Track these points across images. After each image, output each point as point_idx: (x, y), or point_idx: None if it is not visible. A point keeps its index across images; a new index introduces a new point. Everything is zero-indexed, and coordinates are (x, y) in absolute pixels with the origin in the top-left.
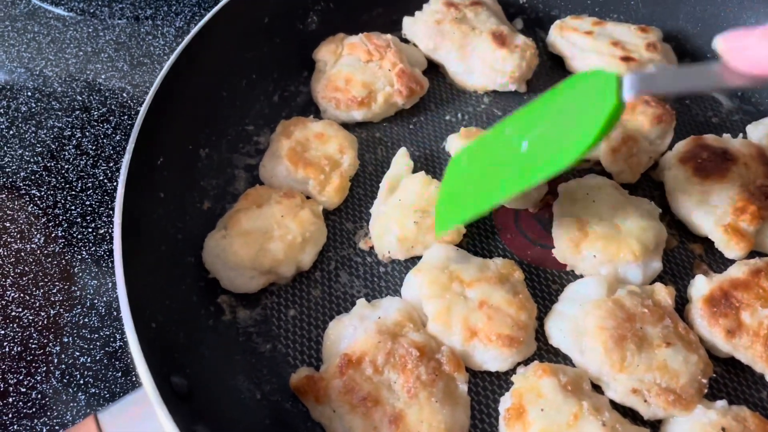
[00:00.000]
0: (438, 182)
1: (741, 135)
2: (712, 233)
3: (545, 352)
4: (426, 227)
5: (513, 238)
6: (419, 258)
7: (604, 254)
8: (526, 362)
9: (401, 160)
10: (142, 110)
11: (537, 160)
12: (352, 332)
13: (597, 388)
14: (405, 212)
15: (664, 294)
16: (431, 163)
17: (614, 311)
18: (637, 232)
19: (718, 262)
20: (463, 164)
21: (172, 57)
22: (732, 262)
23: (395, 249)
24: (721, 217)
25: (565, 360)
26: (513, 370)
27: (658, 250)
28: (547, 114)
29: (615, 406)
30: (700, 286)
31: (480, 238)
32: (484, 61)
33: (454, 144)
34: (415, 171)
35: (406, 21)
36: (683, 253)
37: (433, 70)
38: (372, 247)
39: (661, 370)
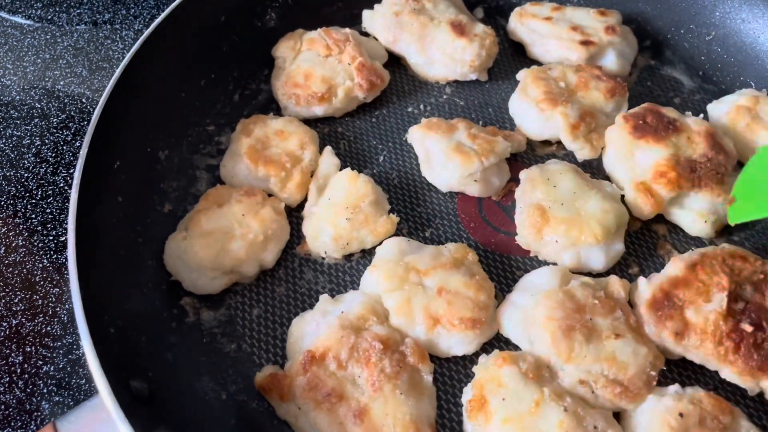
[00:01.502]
0: (367, 177)
1: (702, 115)
2: (626, 187)
3: None
4: (359, 222)
5: (476, 227)
6: (372, 252)
7: (566, 238)
8: (491, 343)
9: (328, 158)
10: (95, 114)
11: None
12: (315, 328)
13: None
14: (336, 211)
15: (617, 286)
16: (395, 154)
17: (564, 302)
18: (599, 214)
19: (681, 241)
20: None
21: (125, 60)
22: (693, 239)
23: (331, 248)
24: (640, 175)
25: None
26: (479, 354)
27: (620, 232)
28: None
29: None
30: (642, 289)
31: (443, 228)
32: (444, 52)
33: (416, 136)
34: (383, 164)
35: (366, 14)
36: (647, 234)
37: (395, 62)
38: (309, 253)
39: (609, 362)
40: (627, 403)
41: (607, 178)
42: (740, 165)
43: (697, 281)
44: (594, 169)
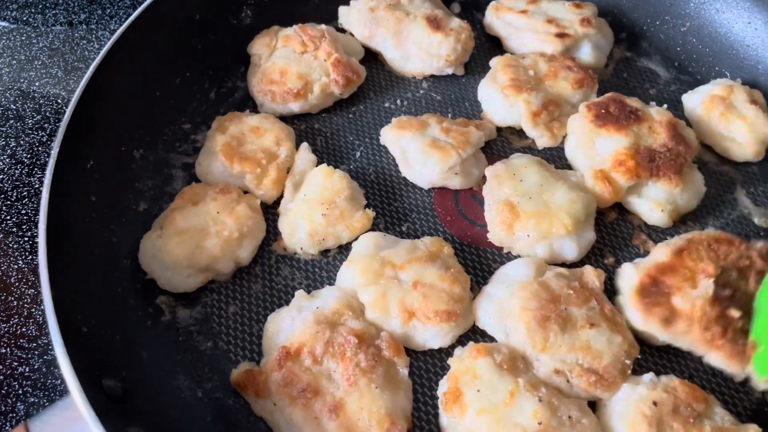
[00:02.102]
0: (342, 173)
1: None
2: (585, 175)
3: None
4: (335, 218)
5: (453, 221)
6: (348, 248)
7: (537, 232)
8: (466, 336)
9: (304, 155)
10: (67, 113)
11: None
12: (290, 324)
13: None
14: (312, 207)
15: (592, 276)
16: (372, 150)
17: (539, 292)
18: (567, 205)
19: (656, 231)
20: None
21: (98, 58)
22: (668, 230)
23: (306, 244)
24: (600, 163)
25: None
26: (455, 347)
27: (590, 221)
28: None
29: None
30: (629, 276)
31: (420, 222)
32: (420, 47)
33: (389, 137)
34: (360, 160)
35: (342, 10)
36: (622, 225)
37: (372, 58)
38: (284, 248)
39: (583, 351)
40: (602, 391)
41: (569, 166)
42: (709, 150)
43: (684, 267)
44: (558, 160)
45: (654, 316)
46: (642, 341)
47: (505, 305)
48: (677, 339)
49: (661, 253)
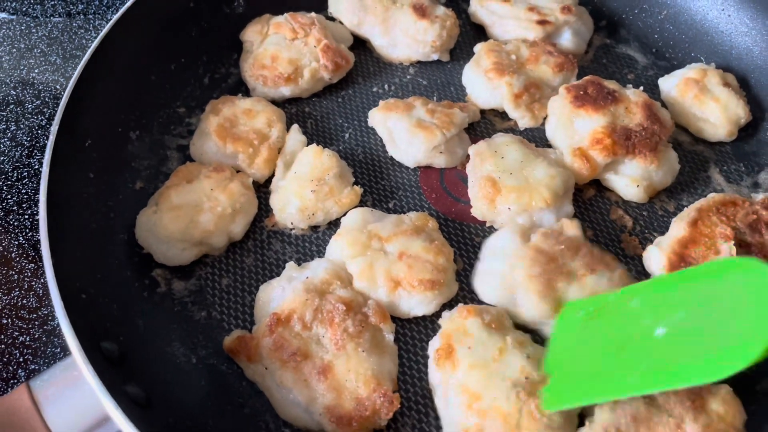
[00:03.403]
0: (331, 151)
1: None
2: (564, 153)
3: (468, 293)
4: (323, 194)
5: (438, 198)
6: (337, 224)
7: (517, 205)
8: (450, 305)
9: (294, 136)
10: (66, 93)
11: (681, 356)
12: (281, 293)
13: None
14: (302, 184)
15: (572, 228)
16: (360, 132)
17: (537, 257)
18: (546, 180)
19: (632, 207)
20: (578, 324)
21: (95, 42)
22: (644, 206)
23: (297, 219)
24: (578, 141)
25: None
26: (438, 316)
27: (568, 195)
28: (688, 299)
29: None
30: (656, 258)
31: (406, 199)
32: (406, 33)
33: (376, 118)
34: (349, 141)
35: None
36: (600, 201)
37: (360, 45)
38: (275, 223)
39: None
40: None
41: (550, 146)
42: (684, 131)
43: (702, 236)
44: (539, 141)
45: None
46: None
47: (508, 278)
48: None
49: (678, 228)
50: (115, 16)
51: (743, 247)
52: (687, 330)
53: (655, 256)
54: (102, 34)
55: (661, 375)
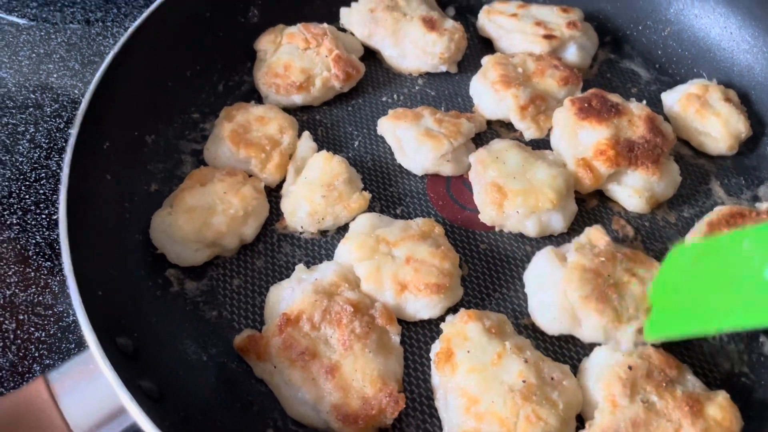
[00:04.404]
0: (341, 158)
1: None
2: (568, 163)
3: (472, 298)
4: (333, 199)
5: (444, 205)
6: (346, 229)
7: (525, 208)
8: (455, 309)
9: (305, 142)
10: (86, 98)
11: None
12: (291, 294)
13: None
14: (312, 188)
15: (599, 236)
16: (369, 140)
17: (584, 276)
18: (549, 180)
19: (634, 217)
20: (687, 262)
21: (114, 49)
22: (645, 216)
23: (307, 223)
24: (582, 152)
25: (491, 308)
26: (443, 319)
27: (570, 193)
28: None
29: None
30: None
31: (413, 206)
32: (416, 45)
33: (385, 126)
34: (358, 148)
35: (343, 11)
36: (603, 211)
37: (370, 55)
38: (286, 227)
39: (644, 300)
40: None
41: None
42: (686, 144)
43: None
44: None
45: None
46: None
47: (564, 303)
48: None
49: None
50: (134, 24)
51: None
52: None
53: None
54: (121, 41)
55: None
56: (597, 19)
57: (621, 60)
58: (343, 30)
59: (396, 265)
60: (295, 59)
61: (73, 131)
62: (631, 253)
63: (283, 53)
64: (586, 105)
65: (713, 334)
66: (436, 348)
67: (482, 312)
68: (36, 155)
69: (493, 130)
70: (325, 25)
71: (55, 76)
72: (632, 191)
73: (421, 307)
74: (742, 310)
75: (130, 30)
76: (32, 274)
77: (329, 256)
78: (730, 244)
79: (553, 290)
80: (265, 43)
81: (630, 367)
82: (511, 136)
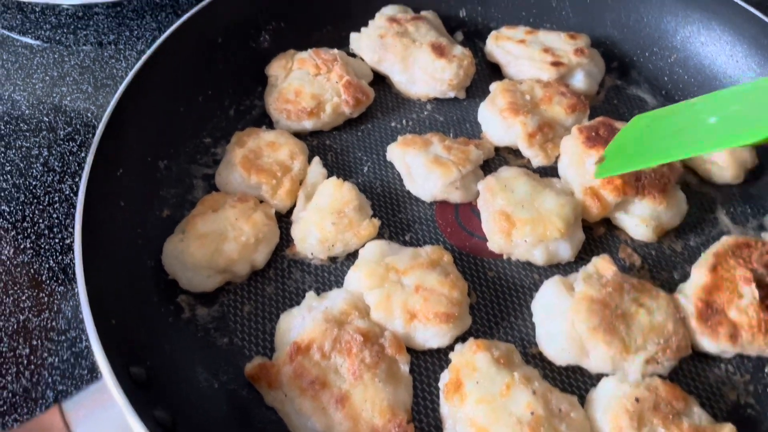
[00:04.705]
0: (351, 184)
1: None
2: (576, 192)
3: (480, 327)
4: (343, 226)
5: (452, 232)
6: (355, 255)
7: (533, 237)
8: (464, 338)
9: (315, 168)
10: (101, 125)
11: (727, 131)
12: (301, 322)
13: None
14: (323, 216)
15: (606, 266)
16: (378, 166)
17: (591, 307)
18: (557, 209)
19: (641, 245)
20: (644, 124)
21: (129, 75)
22: (651, 245)
23: (317, 250)
24: (589, 181)
25: (499, 336)
26: (452, 348)
27: (578, 222)
28: (741, 100)
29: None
30: (684, 305)
31: (422, 233)
32: (424, 71)
33: (394, 153)
34: (368, 174)
35: (353, 36)
36: (610, 239)
37: (380, 81)
38: (296, 253)
39: (654, 331)
40: (686, 351)
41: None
42: (692, 172)
43: (724, 281)
44: (551, 175)
45: (721, 336)
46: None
47: (572, 334)
48: (746, 349)
49: (699, 275)
50: (147, 53)
51: (763, 288)
52: (737, 115)
53: (684, 304)
54: (135, 69)
55: (708, 142)
56: (604, 45)
57: (628, 86)
58: (353, 55)
59: (405, 294)
60: (305, 85)
61: (88, 160)
62: (638, 283)
63: (294, 79)
64: (593, 133)
65: (653, 165)
66: (444, 378)
67: (491, 342)
68: (49, 179)
69: (501, 156)
70: (336, 50)
71: (68, 99)
72: (639, 220)
73: (430, 336)
74: (686, 146)
75: (144, 58)
76: (46, 299)
77: (339, 283)
78: (683, 108)
79: (560, 320)
80: (276, 68)
81: (637, 399)
82: (519, 162)
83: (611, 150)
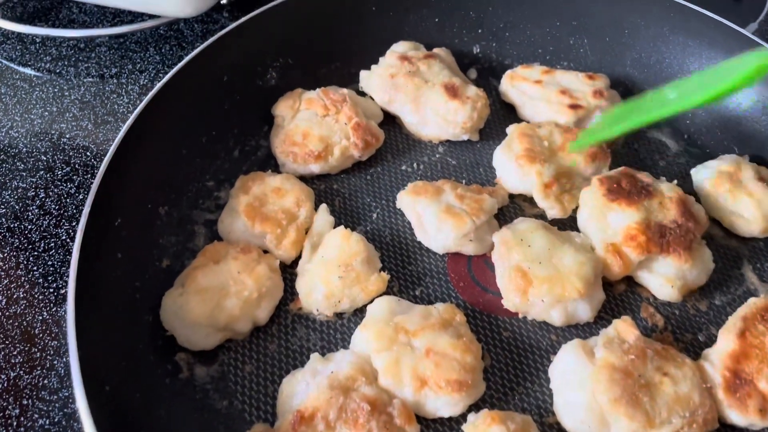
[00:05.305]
0: (359, 236)
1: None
2: (597, 248)
3: (495, 392)
4: (350, 280)
5: (465, 287)
6: (363, 311)
7: (551, 296)
8: (477, 405)
9: (322, 216)
10: (99, 173)
11: (682, 99)
12: (305, 387)
13: None
14: (329, 269)
15: (628, 329)
16: (388, 212)
17: (613, 377)
18: (576, 267)
19: (663, 304)
20: (616, 110)
21: (131, 119)
22: (675, 304)
23: (323, 305)
24: (611, 236)
25: (515, 403)
26: (464, 416)
27: (598, 281)
28: (704, 78)
29: None
30: (711, 374)
31: (433, 287)
32: (437, 113)
33: (405, 201)
34: (377, 221)
35: (363, 75)
36: (631, 297)
37: (390, 120)
38: (300, 308)
39: (680, 403)
40: (712, 424)
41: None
42: (716, 224)
43: (753, 348)
44: (569, 227)
45: (751, 409)
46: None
47: (592, 405)
48: None
49: (726, 341)
50: (152, 91)
51: None
52: (691, 88)
53: (710, 373)
54: (137, 110)
55: (665, 108)
56: (623, 85)
57: (648, 130)
58: (362, 94)
59: (416, 358)
60: (313, 126)
61: (85, 210)
62: (662, 349)
63: (301, 120)
64: (615, 185)
65: (618, 134)
66: None
67: (506, 413)
68: (45, 223)
69: (516, 204)
70: (345, 90)
71: (67, 136)
72: (664, 280)
73: (442, 405)
74: (645, 114)
75: (147, 99)
76: (38, 354)
77: (345, 341)
78: (651, 92)
79: (580, 389)
80: (283, 108)
81: None
82: (535, 212)
83: (585, 135)
